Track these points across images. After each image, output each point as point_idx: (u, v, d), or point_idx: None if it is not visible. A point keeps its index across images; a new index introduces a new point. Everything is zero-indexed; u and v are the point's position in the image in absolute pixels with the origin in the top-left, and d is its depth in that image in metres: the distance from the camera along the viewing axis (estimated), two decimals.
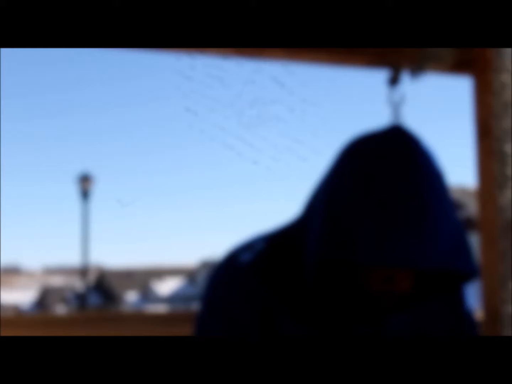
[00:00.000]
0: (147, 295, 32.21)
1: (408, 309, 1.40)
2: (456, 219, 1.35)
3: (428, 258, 1.26)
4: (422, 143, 1.35)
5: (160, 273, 35.33)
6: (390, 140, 1.34)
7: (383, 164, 1.31)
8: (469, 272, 1.33)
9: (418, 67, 2.43)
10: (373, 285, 1.33)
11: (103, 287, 34.37)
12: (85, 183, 22.98)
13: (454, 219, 1.34)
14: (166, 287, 32.12)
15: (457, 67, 2.53)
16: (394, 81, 2.43)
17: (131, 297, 32.93)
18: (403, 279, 1.32)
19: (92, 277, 33.03)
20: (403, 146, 1.33)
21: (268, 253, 1.41)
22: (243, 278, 1.38)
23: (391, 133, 1.35)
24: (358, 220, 1.28)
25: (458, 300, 1.52)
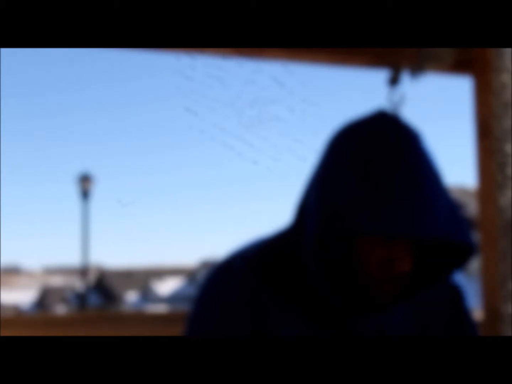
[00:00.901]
0: (147, 295, 32.21)
1: (409, 296, 1.40)
2: (449, 196, 1.37)
3: (425, 226, 1.27)
4: (406, 123, 1.38)
5: (160, 273, 35.33)
6: (378, 121, 1.37)
7: (374, 143, 1.34)
8: (467, 245, 1.34)
9: (418, 67, 2.43)
10: (373, 272, 1.34)
11: (103, 287, 34.38)
12: (85, 183, 22.99)
13: (447, 194, 1.36)
14: (166, 287, 32.12)
15: (457, 67, 2.53)
16: (394, 81, 2.43)
17: (131, 297, 32.93)
18: (402, 258, 1.32)
19: (92, 277, 33.05)
20: (392, 125, 1.36)
21: (264, 255, 1.42)
22: (240, 279, 1.39)
23: (378, 116, 1.39)
24: (353, 194, 1.31)
25: (458, 299, 1.52)
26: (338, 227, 1.31)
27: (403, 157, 1.32)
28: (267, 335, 1.36)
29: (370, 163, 1.32)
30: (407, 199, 1.29)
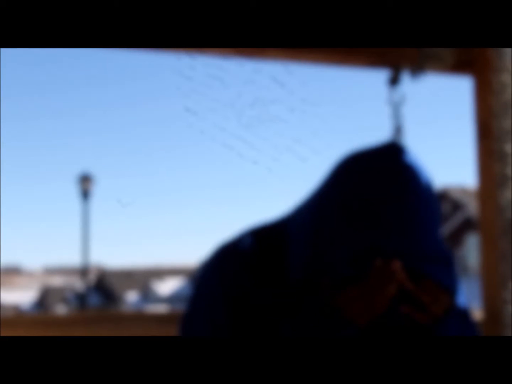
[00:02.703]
0: (147, 295, 32.20)
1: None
2: (444, 243, 1.36)
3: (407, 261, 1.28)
4: (415, 162, 1.36)
5: (160, 273, 35.30)
6: (383, 160, 1.35)
7: (372, 185, 1.33)
8: (449, 286, 1.34)
9: (418, 67, 2.43)
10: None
11: (103, 287, 34.37)
12: (85, 183, 22.96)
13: (441, 241, 1.35)
14: (166, 287, 32.10)
15: (457, 67, 2.53)
16: (394, 81, 2.43)
17: (131, 297, 32.92)
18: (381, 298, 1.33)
19: (92, 277, 33.01)
20: (395, 167, 1.34)
21: (255, 252, 1.42)
22: (229, 274, 1.39)
23: (386, 152, 1.37)
24: (339, 238, 1.31)
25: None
26: (321, 274, 1.32)
27: (398, 207, 1.31)
28: (256, 332, 1.36)
29: (364, 206, 1.31)
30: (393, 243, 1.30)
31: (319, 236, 1.34)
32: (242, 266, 1.40)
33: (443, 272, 1.34)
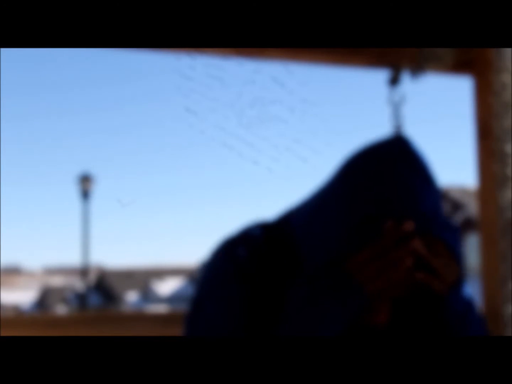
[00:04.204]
0: (147, 295, 32.20)
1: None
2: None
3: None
4: (419, 150, 1.36)
5: (160, 273, 35.29)
6: (388, 147, 1.35)
7: (376, 168, 1.33)
8: (458, 252, 1.33)
9: (418, 67, 2.44)
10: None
11: (103, 287, 34.38)
12: (85, 183, 22.98)
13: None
14: (166, 287, 32.10)
15: (457, 67, 2.53)
16: (394, 81, 2.44)
17: (131, 297, 32.92)
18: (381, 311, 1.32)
19: (92, 277, 33.01)
20: (400, 151, 1.34)
21: (264, 241, 1.42)
22: (242, 259, 1.39)
23: (390, 141, 1.36)
24: (343, 217, 1.31)
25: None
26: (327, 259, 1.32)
27: (405, 183, 1.31)
28: (259, 332, 1.36)
29: (369, 188, 1.31)
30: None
31: (324, 222, 1.33)
32: (252, 252, 1.40)
33: (451, 236, 1.32)
